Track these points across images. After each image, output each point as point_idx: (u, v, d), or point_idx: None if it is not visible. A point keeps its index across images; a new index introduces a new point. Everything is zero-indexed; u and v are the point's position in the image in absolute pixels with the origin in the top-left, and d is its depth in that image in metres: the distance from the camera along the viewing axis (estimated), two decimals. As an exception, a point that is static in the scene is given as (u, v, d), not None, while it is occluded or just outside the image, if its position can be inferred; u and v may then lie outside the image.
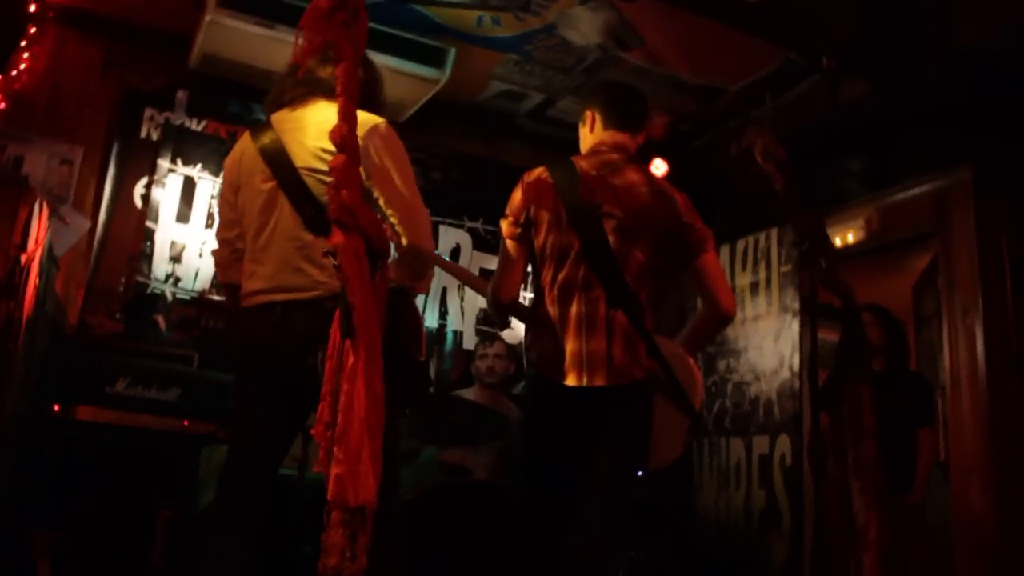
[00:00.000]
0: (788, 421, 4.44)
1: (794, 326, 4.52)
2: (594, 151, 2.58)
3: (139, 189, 4.41)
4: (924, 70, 4.04)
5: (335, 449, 1.53)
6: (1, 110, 4.11)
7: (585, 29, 4.17)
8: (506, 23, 4.17)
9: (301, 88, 2.27)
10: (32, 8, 4.19)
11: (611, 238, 2.41)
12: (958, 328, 3.86)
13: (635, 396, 2.41)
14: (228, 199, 2.34)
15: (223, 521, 2.13)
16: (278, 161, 2.20)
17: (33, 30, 4.24)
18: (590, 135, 2.64)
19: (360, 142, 2.17)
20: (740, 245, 5.02)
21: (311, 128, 2.20)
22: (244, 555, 2.09)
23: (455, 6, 4.08)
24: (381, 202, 2.16)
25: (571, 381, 2.36)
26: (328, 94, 2.20)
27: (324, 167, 2.10)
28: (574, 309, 2.40)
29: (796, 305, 4.51)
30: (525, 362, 2.60)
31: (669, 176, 5.17)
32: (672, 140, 5.19)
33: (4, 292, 2.36)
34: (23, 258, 2.45)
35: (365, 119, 2.11)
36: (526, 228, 2.49)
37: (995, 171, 3.88)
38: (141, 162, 4.42)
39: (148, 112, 4.48)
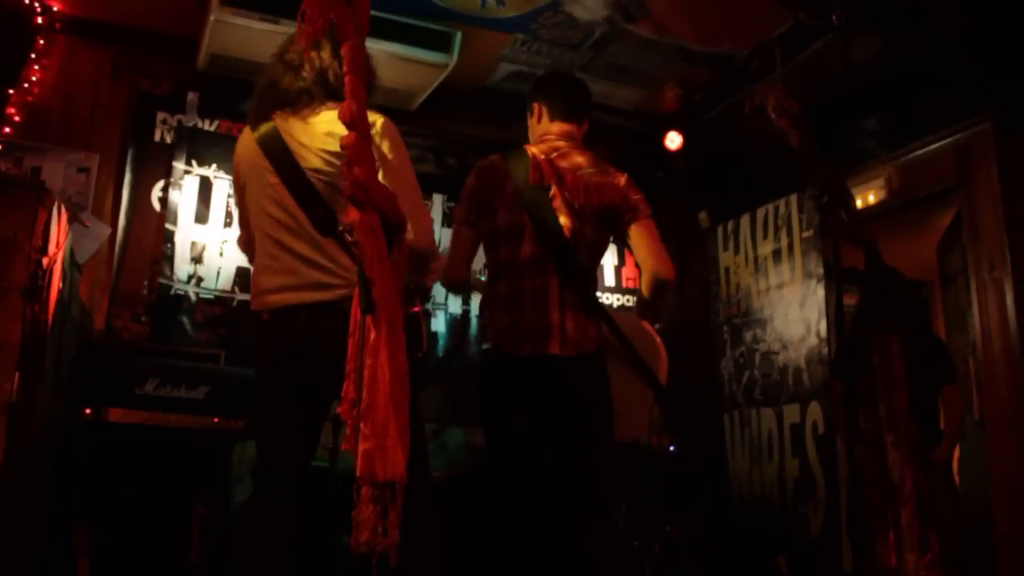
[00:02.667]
0: (818, 388, 4.40)
1: (819, 291, 4.47)
2: (542, 139, 2.69)
3: (156, 192, 4.43)
4: (937, 20, 3.97)
5: (362, 425, 1.52)
6: (16, 123, 4.15)
7: (590, 3, 4.14)
8: (510, 3, 4.14)
9: (305, 96, 2.28)
10: (39, 20, 4.22)
11: (562, 218, 2.53)
12: (986, 283, 3.81)
13: (586, 368, 2.50)
14: (238, 199, 2.38)
15: (258, 518, 2.16)
16: (283, 160, 2.21)
17: (42, 42, 4.27)
18: (537, 125, 2.75)
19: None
20: (760, 213, 4.97)
21: (317, 133, 2.22)
22: (280, 550, 2.10)
23: (458, -12, 4.06)
24: None
25: (526, 350, 2.46)
26: (332, 97, 2.24)
27: (330, 170, 2.15)
28: (528, 284, 2.51)
29: (820, 270, 4.46)
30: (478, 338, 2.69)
31: (684, 147, 5.15)
32: (686, 112, 5.15)
33: (28, 295, 2.37)
34: (44, 261, 2.46)
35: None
36: (478, 212, 2.60)
37: (1017, 119, 3.81)
38: (157, 165, 4.44)
39: (160, 116, 4.50)
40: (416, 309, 2.38)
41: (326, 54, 2.29)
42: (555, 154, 2.61)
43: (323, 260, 2.13)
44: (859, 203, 4.37)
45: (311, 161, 2.19)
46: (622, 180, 2.61)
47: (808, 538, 4.35)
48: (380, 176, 2.09)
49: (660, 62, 4.65)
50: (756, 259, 4.97)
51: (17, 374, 2.33)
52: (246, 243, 2.41)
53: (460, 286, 2.72)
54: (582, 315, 2.50)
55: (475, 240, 2.65)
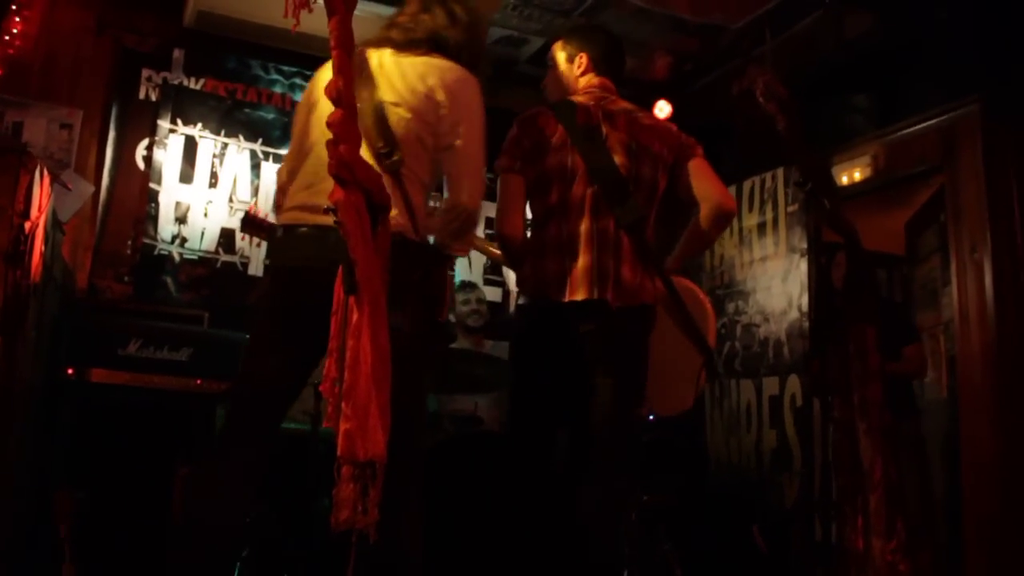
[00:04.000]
0: (798, 362, 4.45)
1: (802, 266, 4.51)
2: (586, 91, 2.60)
3: (140, 151, 4.39)
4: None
5: (343, 405, 1.54)
6: (-2, 76, 4.09)
7: (583, -30, 4.10)
8: (503, -32, 4.10)
9: (414, 44, 2.18)
10: (21, -30, 4.14)
11: (617, 158, 2.44)
12: (966, 264, 3.84)
13: (640, 321, 2.38)
14: (302, 118, 2.21)
15: (225, 475, 1.99)
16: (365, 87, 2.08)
17: (24, -7, 4.19)
18: (577, 75, 2.65)
19: (449, 87, 2.08)
20: (747, 186, 4.98)
21: (408, 71, 2.12)
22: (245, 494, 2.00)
23: (450, -48, 4.00)
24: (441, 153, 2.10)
25: (579, 295, 2.33)
26: (434, 48, 2.17)
27: (406, 107, 2.06)
28: (583, 226, 2.39)
29: (804, 245, 4.49)
30: (517, 295, 2.57)
31: (673, 116, 5.13)
32: (675, 81, 5.12)
33: (10, 260, 2.36)
34: (27, 226, 2.45)
35: (459, 70, 2.14)
36: (523, 159, 2.47)
37: (1004, 102, 3.82)
38: (141, 123, 4.39)
39: (145, 73, 4.45)
40: (444, 319, 2.21)
41: (441, 19, 2.23)
42: (603, 101, 2.54)
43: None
44: (845, 180, 4.39)
45: (389, 95, 2.09)
46: (672, 124, 2.60)
47: (783, 508, 4.44)
48: (452, 125, 2.07)
49: (651, 31, 4.62)
50: (741, 231, 4.99)
51: (0, 339, 2.33)
52: (289, 172, 2.21)
53: (515, 244, 2.47)
54: (639, 263, 2.38)
55: (524, 188, 2.48)
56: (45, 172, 2.66)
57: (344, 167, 1.60)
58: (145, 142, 4.39)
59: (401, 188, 2.05)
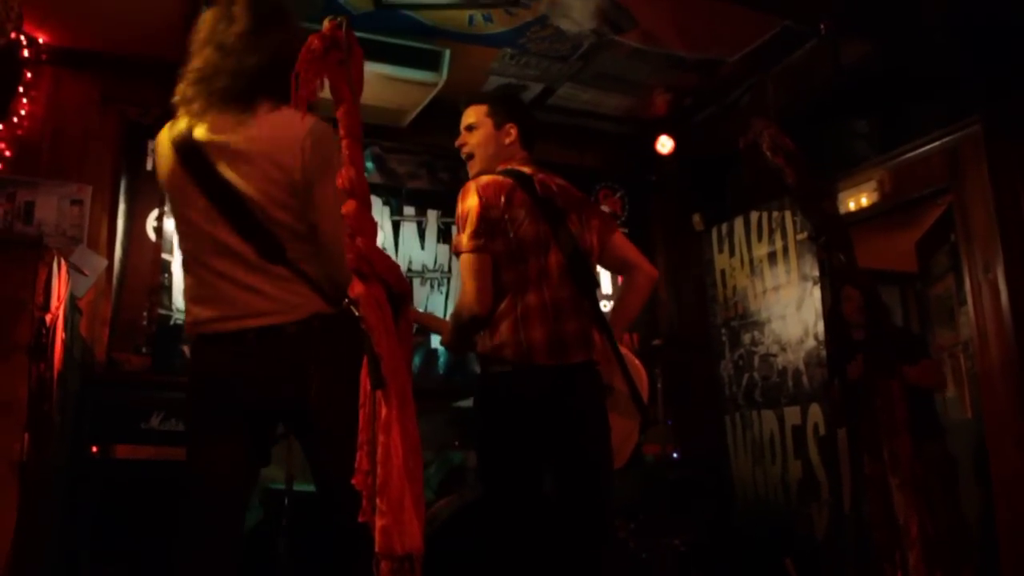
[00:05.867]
0: (818, 390, 4.43)
1: (815, 294, 4.50)
2: (524, 162, 2.68)
3: (151, 222, 4.43)
4: (924, 23, 3.99)
5: (378, 501, 1.54)
6: (7, 158, 4.14)
7: (577, 16, 4.14)
8: (497, 19, 4.14)
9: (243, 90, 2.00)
10: (26, 53, 4.20)
11: (574, 228, 2.59)
12: (980, 284, 3.84)
13: (606, 379, 2.57)
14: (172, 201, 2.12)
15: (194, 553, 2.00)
16: (210, 176, 1.98)
17: (29, 75, 4.26)
18: (506, 144, 2.68)
19: (294, 144, 1.92)
20: (754, 216, 4.99)
21: (258, 139, 1.98)
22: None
23: (445, 7, 4.05)
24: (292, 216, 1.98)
25: (577, 358, 2.47)
26: (272, 95, 2.00)
27: (275, 189, 1.95)
28: (561, 293, 2.50)
29: (815, 273, 4.49)
30: (481, 361, 2.56)
31: (676, 151, 5.17)
32: (676, 116, 5.16)
33: (33, 354, 2.38)
34: (48, 319, 2.47)
35: (293, 118, 1.97)
36: (491, 232, 2.47)
37: (1006, 121, 3.83)
38: (150, 194, 4.43)
39: (151, 144, 4.48)
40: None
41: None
42: (543, 175, 2.65)
43: (263, 286, 1.97)
44: (852, 205, 4.39)
45: (247, 178, 1.96)
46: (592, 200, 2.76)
47: (813, 539, 4.40)
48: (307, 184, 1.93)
49: (649, 70, 4.66)
50: (751, 261, 4.99)
51: (27, 434, 2.34)
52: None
53: (483, 322, 2.48)
54: (597, 323, 2.56)
55: (492, 264, 2.49)
56: (62, 262, 2.68)
57: (363, 260, 1.62)
58: (155, 213, 4.43)
59: None
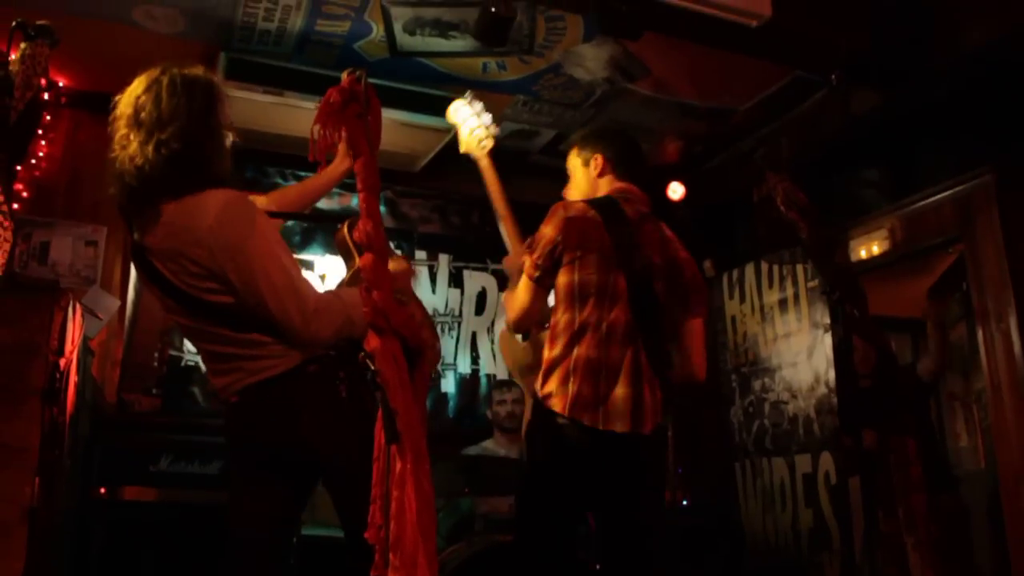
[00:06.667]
0: (829, 438, 4.40)
1: (826, 341, 4.49)
2: (624, 197, 2.54)
3: (164, 263, 4.45)
4: (935, 74, 4.01)
5: (391, 556, 1.53)
6: (25, 199, 4.18)
7: (590, 65, 4.19)
8: (511, 67, 4.19)
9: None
10: (45, 96, 4.25)
11: (657, 283, 2.41)
12: (993, 334, 3.82)
13: (659, 442, 2.41)
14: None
15: None
16: (154, 275, 2.08)
17: (48, 117, 4.31)
18: (597, 179, 2.63)
19: (200, 241, 1.95)
20: (764, 264, 4.99)
21: (170, 236, 2.02)
22: None
23: (459, 55, 4.10)
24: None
25: (619, 428, 2.29)
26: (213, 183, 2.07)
27: (201, 281, 2.00)
28: (620, 353, 2.34)
29: (827, 320, 4.47)
30: (534, 406, 2.48)
31: (687, 197, 5.18)
32: (687, 163, 5.19)
33: (47, 399, 2.39)
34: (62, 363, 2.48)
35: (210, 200, 2.02)
36: (557, 264, 2.41)
37: (1018, 170, 3.84)
38: (164, 236, 4.45)
39: (166, 186, 4.53)
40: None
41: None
42: (643, 217, 2.48)
43: (252, 352, 2.05)
44: (863, 253, 4.40)
45: (175, 275, 2.02)
46: (692, 262, 2.56)
47: (825, 589, 4.34)
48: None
49: (660, 117, 4.70)
50: (762, 308, 4.99)
51: (37, 479, 2.34)
52: None
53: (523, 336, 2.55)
54: (658, 388, 2.38)
55: (547, 294, 2.46)
56: (77, 306, 2.70)
57: (380, 314, 1.62)
58: (169, 254, 4.45)
59: None
